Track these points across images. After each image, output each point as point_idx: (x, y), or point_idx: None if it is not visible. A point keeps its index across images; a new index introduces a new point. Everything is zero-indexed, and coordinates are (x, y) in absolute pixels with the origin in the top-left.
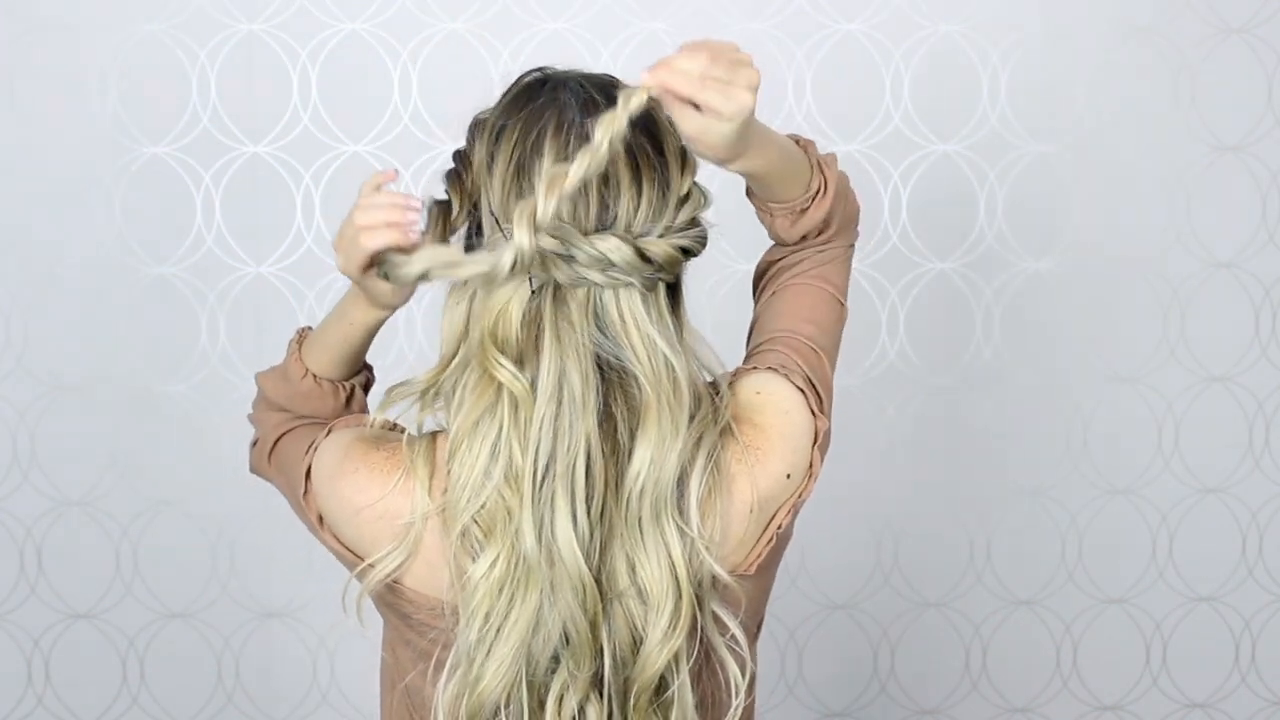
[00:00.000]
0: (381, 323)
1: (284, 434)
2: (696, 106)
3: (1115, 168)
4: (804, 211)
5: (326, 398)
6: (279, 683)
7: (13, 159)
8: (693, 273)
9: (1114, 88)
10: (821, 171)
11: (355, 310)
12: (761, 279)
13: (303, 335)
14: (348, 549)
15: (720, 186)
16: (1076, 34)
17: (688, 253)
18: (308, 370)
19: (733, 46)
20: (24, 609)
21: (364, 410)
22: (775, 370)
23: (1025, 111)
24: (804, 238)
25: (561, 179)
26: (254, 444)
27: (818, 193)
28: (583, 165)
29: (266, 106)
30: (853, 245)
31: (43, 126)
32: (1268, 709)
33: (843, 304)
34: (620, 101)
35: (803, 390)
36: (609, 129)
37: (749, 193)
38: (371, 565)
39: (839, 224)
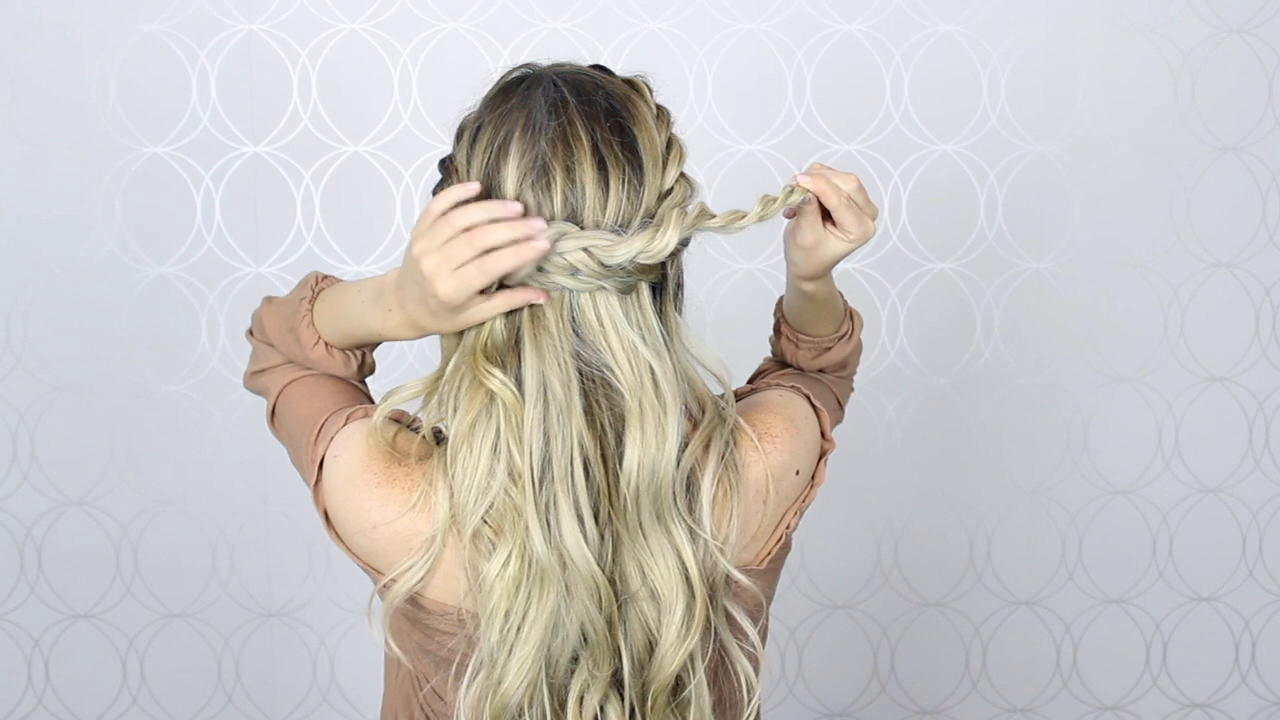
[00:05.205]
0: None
1: (290, 382)
2: (825, 220)
3: (1115, 168)
4: (828, 350)
5: (337, 366)
6: (279, 683)
7: (13, 159)
8: (692, 272)
9: (1114, 88)
10: (851, 319)
11: (388, 329)
12: (761, 375)
13: (317, 290)
14: (358, 557)
15: (722, 185)
16: (1076, 34)
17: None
18: (320, 338)
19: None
20: (24, 609)
21: (373, 370)
22: (797, 389)
23: (1025, 111)
24: (821, 370)
25: (706, 216)
26: (254, 371)
27: (844, 335)
28: (725, 219)
29: (266, 106)
30: (853, 388)
31: (43, 126)
32: (1268, 709)
33: (841, 406)
34: (782, 193)
35: (816, 411)
36: (765, 207)
37: (777, 326)
38: (393, 580)
39: (850, 368)
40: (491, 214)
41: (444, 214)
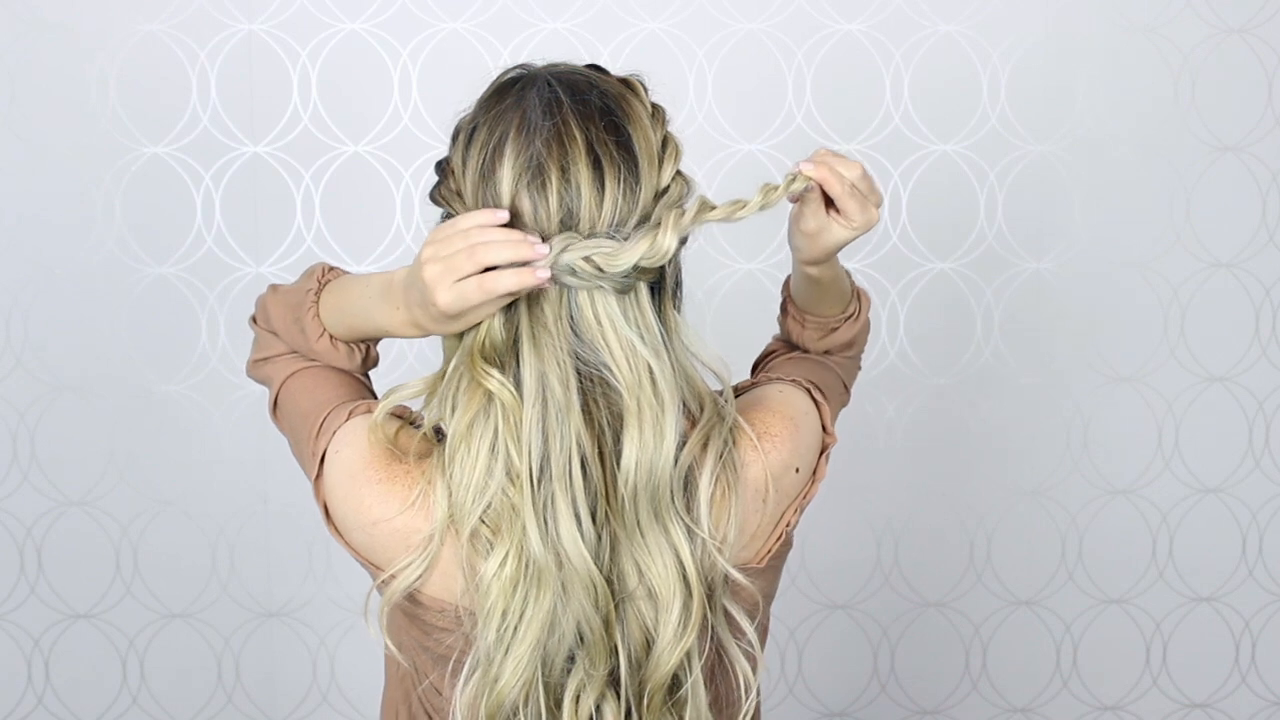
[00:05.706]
0: None
1: (293, 374)
2: (828, 207)
3: (1115, 168)
4: (834, 330)
5: (341, 359)
6: (279, 683)
7: (13, 159)
8: (692, 272)
9: (1114, 88)
10: (858, 299)
11: (394, 326)
12: (768, 357)
13: (324, 281)
14: (357, 552)
15: (722, 185)
16: (1076, 34)
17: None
18: (325, 331)
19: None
20: (24, 609)
21: (376, 363)
22: (799, 383)
23: (1025, 111)
24: (827, 352)
25: (706, 209)
26: (257, 359)
27: (851, 316)
28: (726, 209)
29: (266, 106)
30: (860, 367)
31: (43, 126)
32: (1268, 709)
33: (847, 389)
34: (783, 181)
35: (817, 405)
36: (766, 195)
37: (785, 305)
38: (392, 577)
39: (858, 348)
40: (511, 239)
41: (465, 229)
